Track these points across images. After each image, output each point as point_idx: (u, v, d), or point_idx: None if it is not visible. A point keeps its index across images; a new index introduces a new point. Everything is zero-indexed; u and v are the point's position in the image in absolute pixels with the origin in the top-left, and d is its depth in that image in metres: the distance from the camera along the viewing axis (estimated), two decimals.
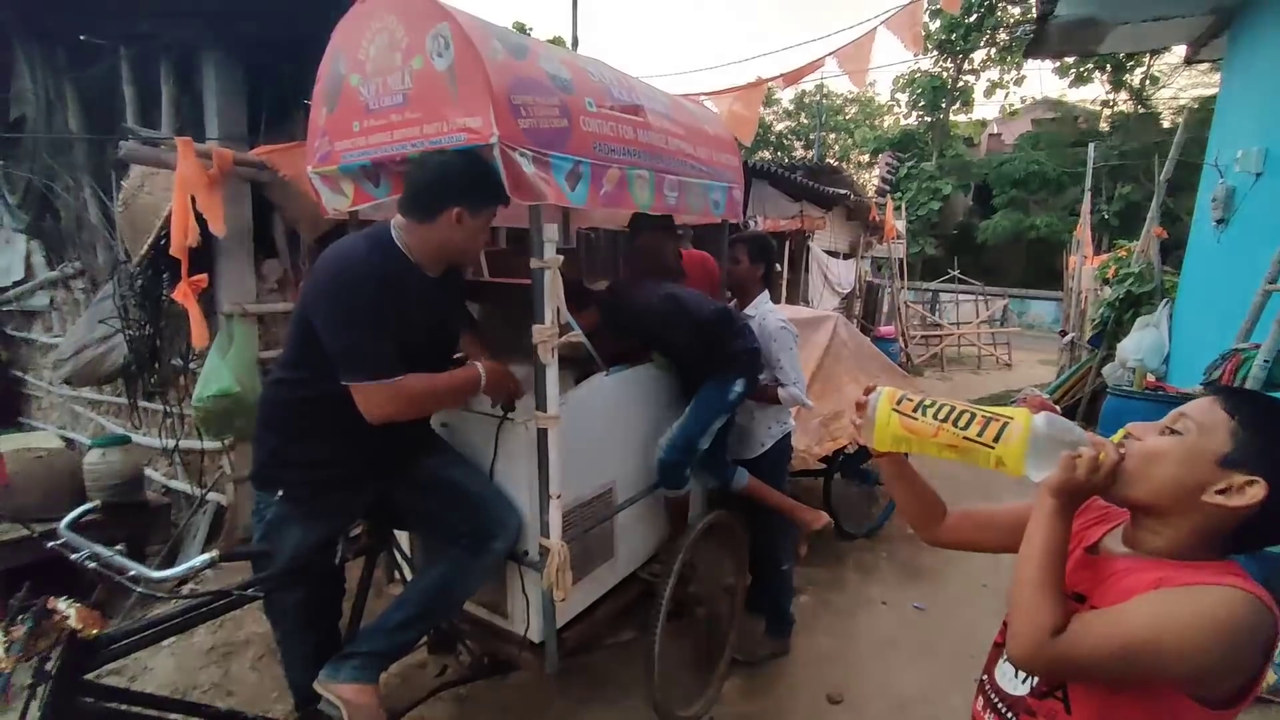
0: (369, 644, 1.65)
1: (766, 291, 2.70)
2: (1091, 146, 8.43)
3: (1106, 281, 6.80)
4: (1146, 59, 17.18)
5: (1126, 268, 5.87)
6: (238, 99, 3.12)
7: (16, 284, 4.34)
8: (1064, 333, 8.44)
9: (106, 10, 3.06)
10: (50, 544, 1.37)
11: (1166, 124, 17.48)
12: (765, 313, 2.58)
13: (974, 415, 0.96)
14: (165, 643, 2.56)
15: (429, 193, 1.54)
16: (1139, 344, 4.57)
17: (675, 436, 2.26)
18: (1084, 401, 6.06)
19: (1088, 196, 8.39)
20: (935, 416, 0.99)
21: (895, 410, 1.03)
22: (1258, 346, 2.56)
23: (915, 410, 1.01)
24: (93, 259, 3.67)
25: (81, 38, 3.48)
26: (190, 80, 3.14)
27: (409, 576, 2.04)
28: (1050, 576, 0.85)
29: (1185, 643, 0.77)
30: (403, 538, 2.08)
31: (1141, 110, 18.66)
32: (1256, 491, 0.80)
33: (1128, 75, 18.40)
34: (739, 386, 2.28)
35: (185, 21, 2.91)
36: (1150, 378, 4.45)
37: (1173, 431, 0.88)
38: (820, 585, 3.40)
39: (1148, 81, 18.37)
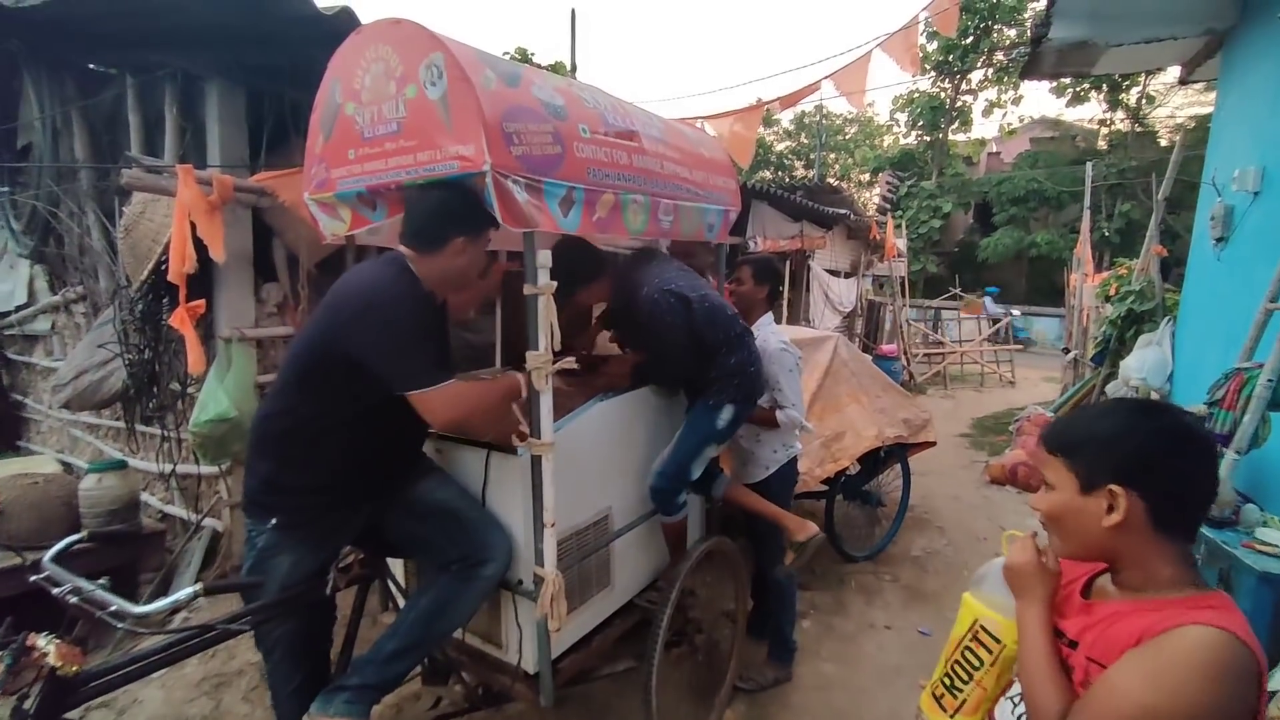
0: (361, 676, 1.61)
1: (770, 314, 2.69)
2: (1089, 165, 8.47)
3: (1108, 299, 6.78)
4: (1142, 79, 17.35)
5: (1127, 285, 5.84)
6: (239, 126, 3.16)
7: (19, 308, 4.37)
8: (1067, 350, 8.40)
9: (115, 40, 3.12)
10: (33, 577, 1.35)
11: (1164, 142, 17.64)
12: (768, 334, 2.56)
13: (967, 649, 1.08)
14: (155, 674, 2.52)
15: (434, 225, 1.62)
16: (1142, 362, 4.54)
17: (666, 463, 2.22)
18: None
19: (1087, 214, 8.41)
20: (962, 682, 1.08)
21: (953, 716, 1.09)
22: (1261, 365, 2.53)
23: (952, 695, 1.09)
24: (94, 284, 3.69)
25: (90, 66, 3.55)
26: (193, 108, 3.19)
27: (402, 605, 2.01)
28: (1041, 670, 0.91)
29: (1179, 708, 0.76)
30: (396, 567, 2.05)
31: (1139, 129, 18.81)
32: (1119, 498, 0.86)
33: (1124, 95, 18.60)
34: (727, 413, 2.21)
35: (191, 51, 2.96)
36: (1155, 396, 4.41)
37: (1049, 486, 0.95)
38: (823, 609, 3.34)
39: (1144, 101, 18.56)
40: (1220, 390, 2.66)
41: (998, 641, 1.03)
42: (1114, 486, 0.86)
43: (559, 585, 1.67)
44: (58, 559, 1.40)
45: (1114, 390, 5.06)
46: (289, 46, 2.79)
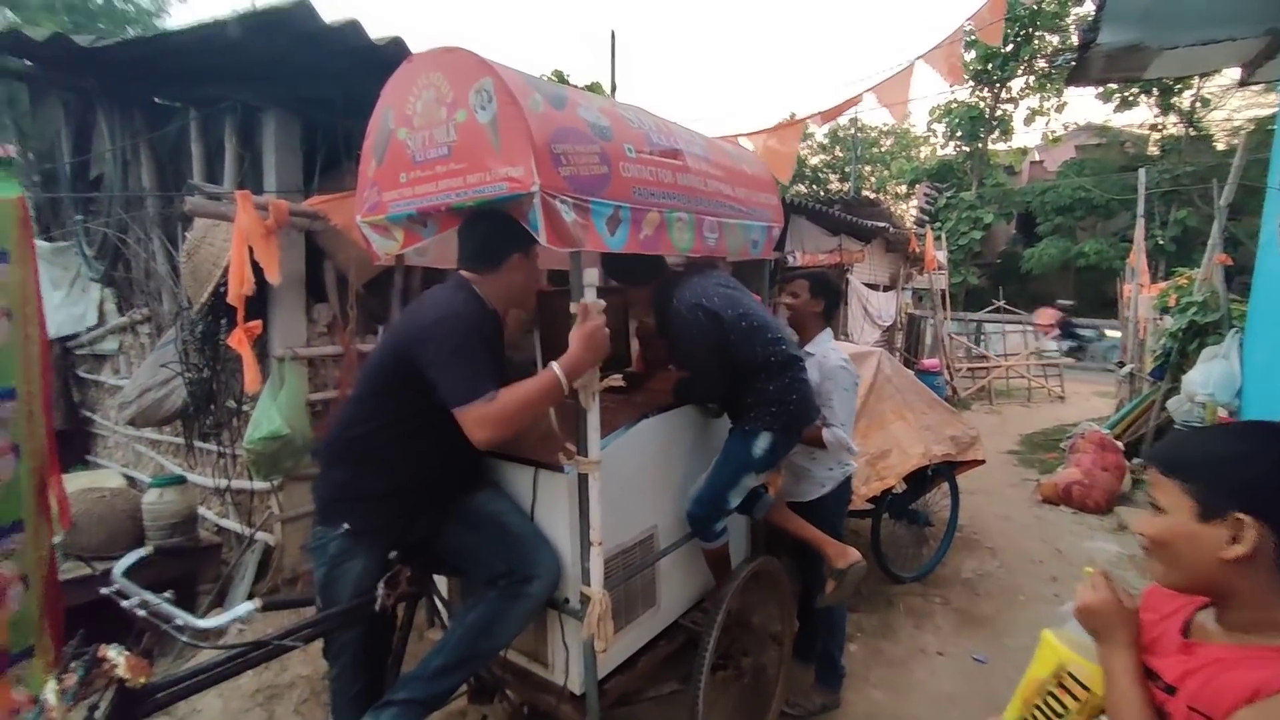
0: (408, 691, 1.63)
1: (829, 329, 2.62)
2: (1142, 171, 8.15)
3: (1166, 310, 6.50)
4: (1196, 81, 16.71)
5: (1188, 296, 5.59)
6: (294, 153, 3.29)
7: (90, 329, 4.61)
8: (1121, 363, 8.06)
9: (180, 76, 3.30)
10: (104, 590, 1.40)
11: (1221, 146, 16.93)
12: (827, 350, 2.50)
13: (1050, 694, 1.02)
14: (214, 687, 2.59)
15: (489, 246, 1.73)
16: (1207, 376, 4.32)
17: (702, 490, 2.16)
18: (1148, 437, 5.74)
19: (1140, 222, 8.07)
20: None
21: None
22: None
23: None
24: (158, 306, 3.87)
25: (156, 101, 3.76)
26: (251, 137, 3.33)
27: (448, 622, 2.03)
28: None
29: None
30: (441, 585, 2.07)
31: (1193, 133, 18.09)
32: (1246, 529, 0.78)
33: (1176, 98, 17.93)
34: (764, 442, 2.10)
35: (250, 84, 3.10)
36: (1223, 413, 4.19)
37: (1157, 509, 0.88)
38: (870, 632, 3.24)
39: (1198, 104, 17.84)
40: None
41: (1085, 689, 0.95)
42: (1241, 515, 0.79)
43: (606, 605, 1.66)
44: (127, 572, 1.46)
45: (1176, 406, 4.83)
46: (341, 77, 2.90)
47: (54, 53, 3.32)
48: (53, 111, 4.29)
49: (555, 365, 1.56)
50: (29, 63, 3.80)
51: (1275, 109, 4.19)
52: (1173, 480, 0.86)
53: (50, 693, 1.20)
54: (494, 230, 1.70)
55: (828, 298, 2.59)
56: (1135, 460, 5.48)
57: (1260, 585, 0.80)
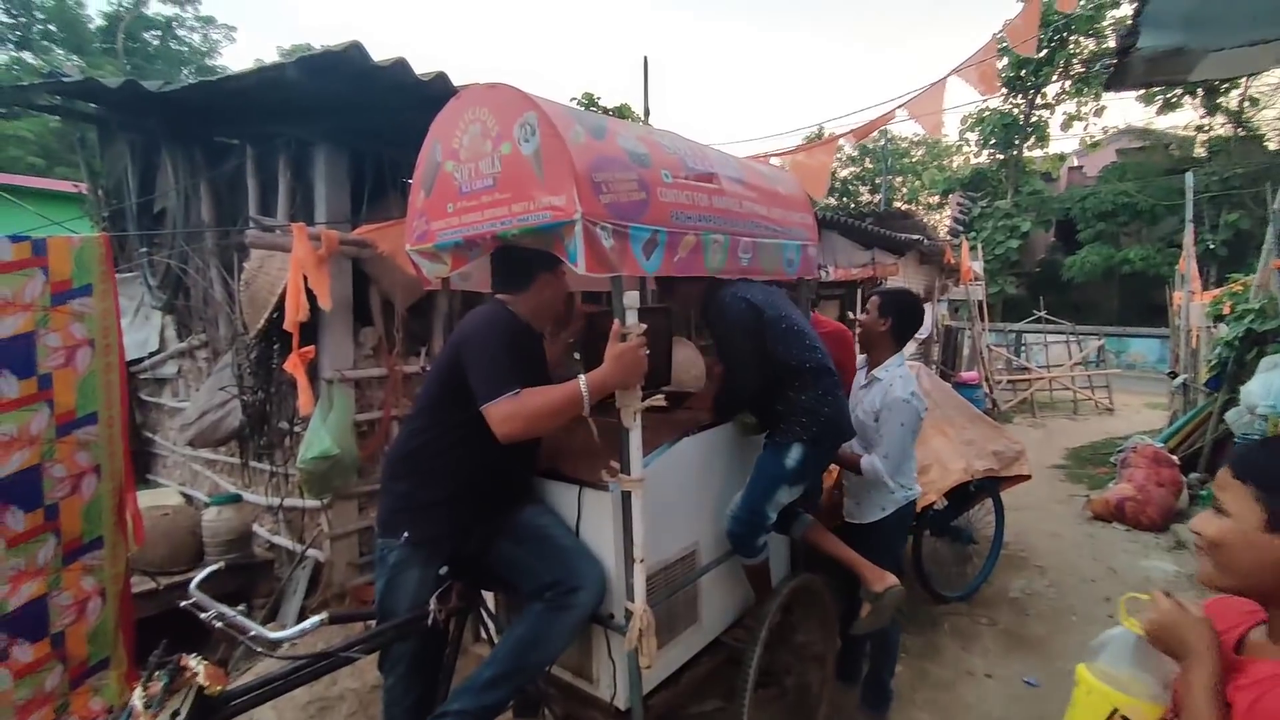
0: (459, 703, 1.68)
1: (901, 354, 2.51)
2: (1189, 174, 7.90)
3: (1220, 318, 6.26)
4: (1244, 81, 16.15)
5: (1244, 303, 5.39)
6: (343, 184, 3.45)
7: (151, 354, 4.86)
8: (1173, 374, 7.76)
9: (238, 114, 3.50)
10: (182, 603, 1.49)
11: (1273, 145, 16.28)
12: (894, 378, 2.39)
13: None
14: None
15: (518, 269, 1.87)
16: (1268, 387, 4.15)
17: (739, 507, 2.15)
18: (1205, 450, 5.51)
19: (1189, 228, 7.82)
20: None
21: None
22: None
23: None
24: (215, 332, 4.07)
25: (215, 139, 3.99)
26: (302, 170, 3.51)
27: (495, 638, 2.08)
28: None
29: None
30: (489, 600, 2.12)
31: (1242, 133, 17.44)
32: None
33: (1223, 98, 17.34)
34: (795, 454, 2.09)
35: (302, 121, 3.28)
36: None
37: (1220, 510, 0.87)
38: (915, 653, 3.18)
39: (1247, 103, 17.22)
40: None
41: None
42: None
43: (649, 620, 1.68)
44: (200, 585, 1.55)
45: (1235, 418, 4.64)
46: (388, 111, 3.05)
47: (123, 97, 3.56)
48: (120, 151, 4.58)
49: (582, 378, 1.63)
50: (95, 106, 4.09)
51: None
52: (1245, 485, 0.85)
53: (138, 699, 1.28)
54: (520, 254, 1.85)
55: (898, 316, 2.47)
56: (1192, 475, 5.27)
57: None
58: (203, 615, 1.41)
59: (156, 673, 1.31)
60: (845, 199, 26.14)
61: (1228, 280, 7.06)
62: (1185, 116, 18.90)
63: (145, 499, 3.93)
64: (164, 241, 4.28)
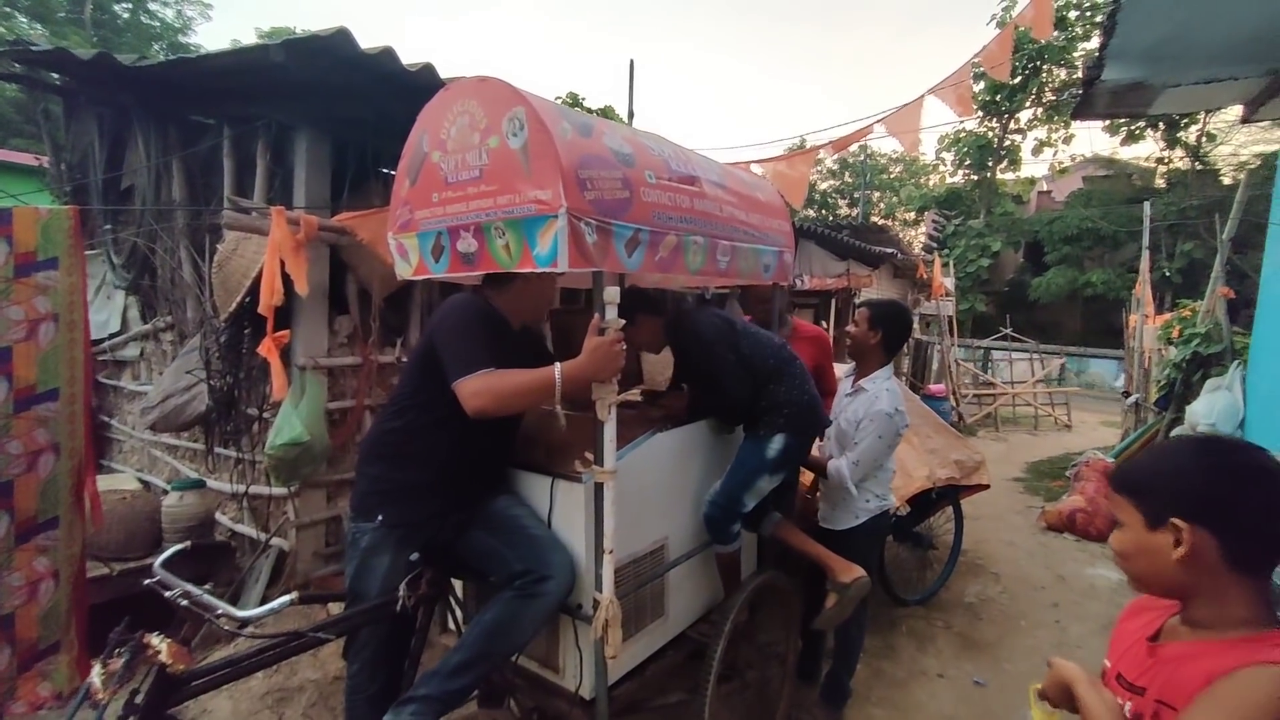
0: (425, 688, 1.69)
1: (889, 366, 2.54)
2: (1148, 204, 8.25)
3: (1171, 341, 6.54)
4: (1202, 117, 16.89)
5: (1192, 327, 5.64)
6: (324, 170, 3.41)
7: (113, 336, 4.72)
8: (1127, 393, 8.08)
9: (216, 94, 3.44)
10: (146, 581, 1.47)
11: (1227, 180, 17.05)
12: (881, 390, 2.42)
13: None
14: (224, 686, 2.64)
15: None
16: (1210, 407, 4.35)
17: (718, 492, 2.25)
18: None
19: (1146, 254, 8.16)
20: None
21: None
22: None
23: None
24: (182, 314, 3.98)
25: (191, 118, 3.91)
26: (282, 153, 3.46)
27: (463, 627, 2.09)
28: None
29: None
30: (458, 589, 2.13)
31: (1199, 167, 18.23)
32: (1183, 532, 0.87)
33: (1183, 132, 18.11)
34: (778, 443, 2.20)
35: (284, 104, 3.24)
36: None
37: (1118, 524, 0.97)
38: (873, 653, 3.26)
39: (1204, 138, 18.01)
40: None
41: None
42: (1177, 521, 0.88)
43: (615, 611, 1.71)
44: (165, 565, 1.53)
45: (1179, 436, 4.85)
46: (373, 100, 3.03)
47: (95, 70, 3.47)
48: (87, 124, 4.45)
49: (558, 366, 1.65)
50: (62, 77, 3.97)
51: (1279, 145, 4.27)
52: (1124, 497, 0.96)
53: (96, 676, 1.27)
54: None
55: (888, 328, 2.49)
56: None
57: (1211, 583, 0.89)
58: (167, 594, 1.39)
59: (117, 650, 1.30)
60: (824, 211, 26.56)
61: (1178, 305, 7.37)
62: (1147, 148, 19.70)
63: (101, 483, 3.82)
64: (131, 219, 4.17)
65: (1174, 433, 5.08)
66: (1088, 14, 17.52)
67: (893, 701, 2.90)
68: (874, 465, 2.45)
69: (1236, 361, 4.58)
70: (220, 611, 1.35)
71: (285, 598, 1.40)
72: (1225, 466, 0.88)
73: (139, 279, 4.26)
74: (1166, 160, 19.32)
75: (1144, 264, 8.18)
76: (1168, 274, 15.70)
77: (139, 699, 1.33)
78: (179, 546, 1.61)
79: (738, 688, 2.39)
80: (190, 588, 1.41)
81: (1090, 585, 4.27)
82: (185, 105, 3.77)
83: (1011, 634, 3.59)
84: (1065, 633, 3.63)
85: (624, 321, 1.70)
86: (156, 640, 1.32)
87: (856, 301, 7.41)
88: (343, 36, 2.54)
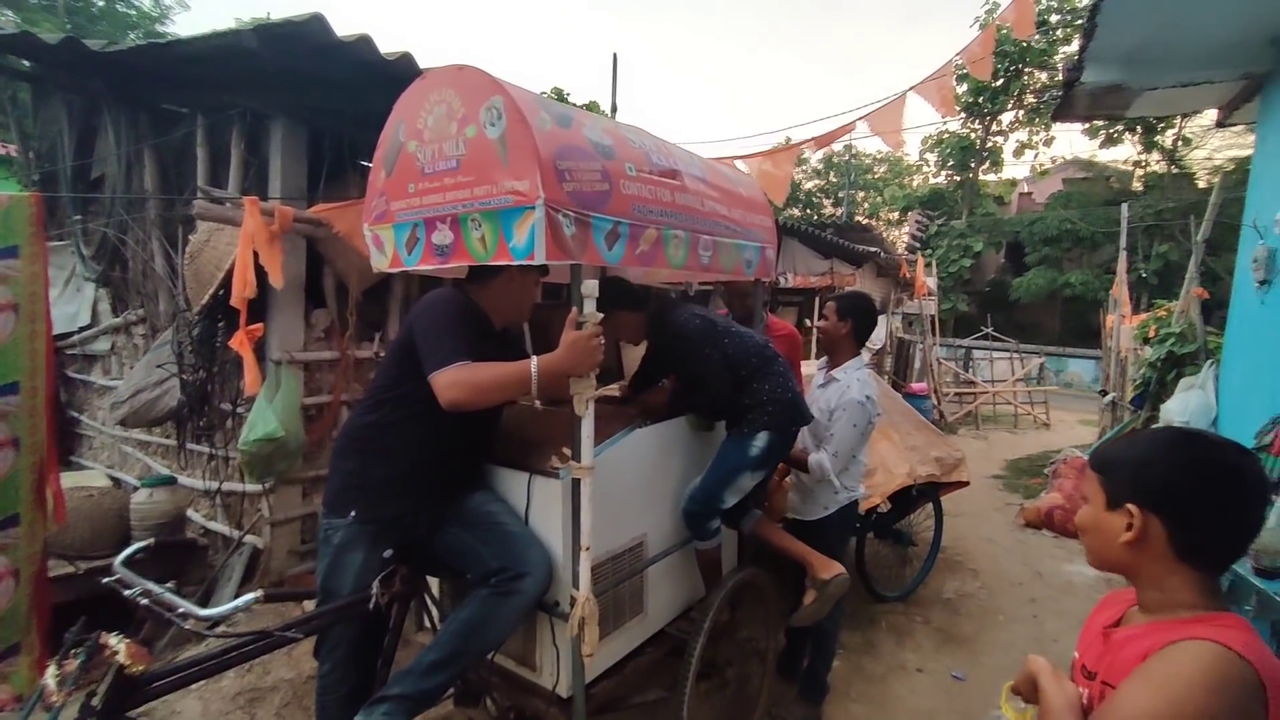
0: (399, 687, 1.66)
1: (861, 355, 2.59)
2: (1125, 206, 8.39)
3: (1147, 341, 6.65)
4: (1178, 121, 17.21)
5: (1167, 328, 5.74)
6: (299, 160, 3.34)
7: (82, 329, 4.60)
8: (1104, 392, 8.21)
9: (189, 82, 3.36)
10: (105, 579, 1.43)
11: (1202, 184, 17.39)
12: (853, 380, 2.47)
13: None
14: (194, 686, 2.58)
15: None
16: (1184, 406, 4.42)
17: (697, 489, 2.24)
18: None
19: (1123, 255, 8.30)
20: None
21: None
22: None
23: None
24: (154, 307, 3.89)
25: (164, 106, 3.81)
26: (257, 143, 3.39)
27: (438, 626, 2.05)
28: (1049, 717, 0.96)
29: (1179, 716, 0.78)
30: (433, 587, 2.09)
31: (1175, 170, 18.59)
32: (1135, 517, 0.90)
33: (1159, 136, 18.45)
34: (761, 441, 2.20)
35: (259, 93, 3.16)
36: None
37: (1085, 499, 1.01)
38: (852, 649, 3.27)
39: (1180, 142, 18.36)
40: (1268, 435, 2.61)
41: None
42: (1131, 506, 0.91)
43: (592, 608, 1.69)
44: (126, 563, 1.48)
45: None
46: (350, 88, 2.97)
47: (63, 56, 3.37)
48: (56, 112, 4.33)
49: (534, 359, 1.63)
50: (30, 63, 3.86)
51: (1253, 150, 4.36)
52: (1095, 475, 0.99)
53: (50, 678, 1.22)
54: None
55: (857, 318, 2.54)
56: None
57: (1156, 568, 0.91)
58: (127, 592, 1.35)
59: (73, 651, 1.25)
60: (809, 210, 26.69)
61: (1154, 306, 7.50)
62: (1125, 151, 20.06)
63: (68, 480, 3.72)
64: (101, 209, 4.07)
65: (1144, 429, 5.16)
66: (1069, 17, 17.77)
67: (872, 697, 2.91)
68: (851, 454, 2.49)
69: (1210, 361, 4.66)
70: (181, 610, 1.31)
71: (249, 595, 1.36)
72: (1191, 462, 0.90)
73: (109, 271, 4.16)
74: (1144, 163, 19.69)
75: (1121, 265, 8.32)
76: (1144, 275, 15.97)
77: (96, 701, 1.28)
78: (140, 544, 1.56)
79: (717, 685, 2.39)
80: (151, 586, 1.36)
81: (1067, 581, 4.32)
82: (157, 93, 3.67)
83: (989, 629, 3.62)
84: (1042, 627, 3.67)
85: (602, 315, 1.68)
86: (114, 640, 1.28)
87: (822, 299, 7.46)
88: (317, 23, 2.49)
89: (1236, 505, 0.88)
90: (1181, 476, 0.89)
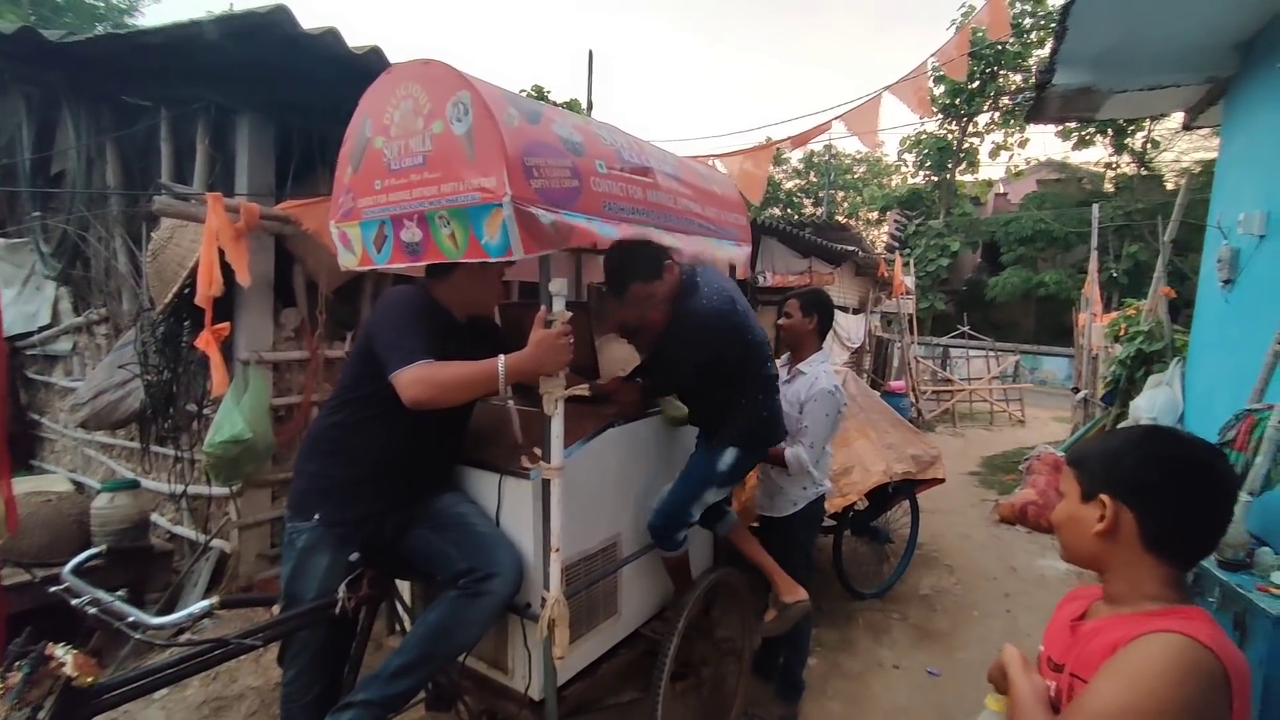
0: (366, 692, 1.62)
1: (823, 350, 2.64)
2: (1096, 207, 8.55)
3: (1117, 339, 6.78)
4: (1147, 124, 17.61)
5: (1136, 326, 5.85)
6: (267, 157, 3.27)
7: (42, 329, 4.47)
8: (1076, 389, 8.36)
9: (151, 74, 3.26)
10: (52, 588, 1.37)
11: (1170, 185, 17.81)
12: (819, 371, 2.52)
13: None
14: (156, 695, 2.51)
15: None
16: (1152, 402, 4.51)
17: (665, 502, 2.18)
18: None
19: (1094, 255, 8.46)
20: None
21: None
22: (1272, 407, 2.53)
23: None
24: (117, 306, 3.78)
25: (125, 99, 3.70)
26: (224, 138, 3.31)
27: (409, 628, 2.01)
28: (1018, 709, 0.97)
29: (1147, 707, 0.79)
30: (403, 590, 2.06)
31: (1145, 173, 19.01)
32: (1107, 508, 0.92)
33: (1129, 139, 18.86)
34: (729, 457, 2.14)
35: (225, 86, 3.09)
36: None
37: (1061, 495, 1.04)
38: (830, 647, 3.29)
39: (1149, 145, 18.78)
40: (1231, 431, 2.65)
41: None
42: (1104, 497, 0.93)
43: (561, 609, 1.67)
44: (76, 571, 1.43)
45: None
46: (319, 83, 2.91)
47: (20, 46, 3.25)
48: (14, 105, 4.20)
49: (502, 358, 1.59)
50: None
51: (1218, 153, 4.47)
52: (1071, 469, 1.01)
53: None
54: None
55: (821, 313, 2.59)
56: None
57: (1126, 559, 0.93)
58: (74, 601, 1.30)
59: (16, 663, 1.20)
60: (789, 210, 26.84)
61: (1124, 305, 7.65)
62: (1098, 153, 20.48)
63: (27, 484, 3.62)
64: (61, 205, 3.95)
65: (1119, 427, 5.26)
66: (1042, 22, 18.08)
67: (849, 695, 2.92)
68: (823, 446, 2.52)
69: (1177, 359, 4.76)
70: (132, 619, 1.26)
71: (204, 603, 1.31)
72: (1161, 455, 0.93)
73: (70, 268, 4.04)
74: (1115, 165, 20.11)
75: (1092, 265, 8.48)
76: (1115, 275, 16.31)
77: (43, 715, 1.23)
78: (93, 551, 1.50)
79: (693, 685, 2.37)
80: (100, 594, 1.31)
81: (1040, 576, 4.39)
82: (118, 85, 3.57)
83: (964, 624, 3.66)
84: (1016, 621, 3.72)
85: (570, 314, 1.65)
86: (60, 651, 1.23)
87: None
88: (282, 14, 2.43)
89: (1204, 498, 0.91)
90: (1151, 468, 0.92)
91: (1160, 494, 0.91)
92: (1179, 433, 0.98)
